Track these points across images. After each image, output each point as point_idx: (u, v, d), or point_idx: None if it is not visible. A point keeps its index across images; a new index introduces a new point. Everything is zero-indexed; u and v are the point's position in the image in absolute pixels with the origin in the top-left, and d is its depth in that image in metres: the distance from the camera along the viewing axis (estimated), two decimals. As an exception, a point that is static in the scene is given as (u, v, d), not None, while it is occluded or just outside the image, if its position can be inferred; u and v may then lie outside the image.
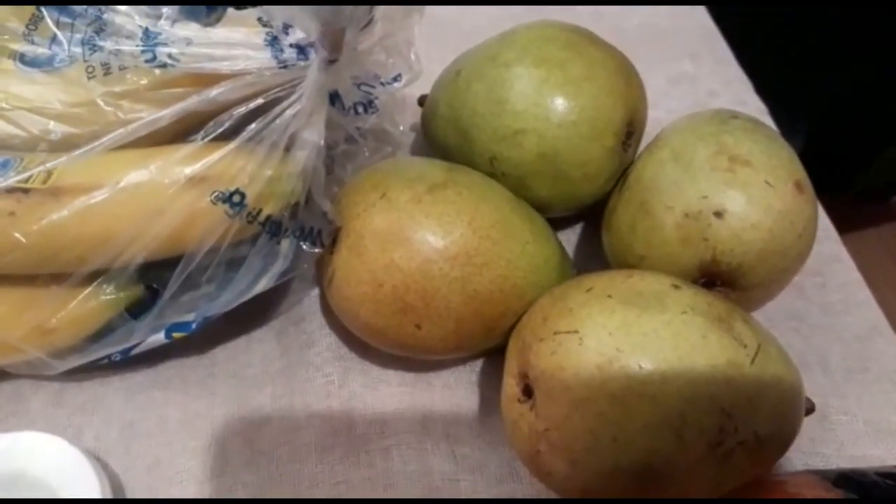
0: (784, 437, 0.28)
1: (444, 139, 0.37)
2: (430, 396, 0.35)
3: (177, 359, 0.36)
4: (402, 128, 0.37)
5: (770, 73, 0.54)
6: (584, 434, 0.26)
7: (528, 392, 0.29)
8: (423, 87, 0.38)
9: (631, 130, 0.35)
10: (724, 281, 0.31)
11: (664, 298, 0.27)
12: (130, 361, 0.35)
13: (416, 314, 0.30)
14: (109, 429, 0.35)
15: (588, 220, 0.41)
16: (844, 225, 0.42)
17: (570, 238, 0.41)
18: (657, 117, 0.42)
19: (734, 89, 0.48)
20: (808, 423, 0.33)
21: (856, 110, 0.87)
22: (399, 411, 0.35)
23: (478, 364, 0.36)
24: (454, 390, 0.36)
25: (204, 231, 0.29)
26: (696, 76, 0.50)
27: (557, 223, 0.38)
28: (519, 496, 0.32)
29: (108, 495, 0.30)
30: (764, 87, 0.49)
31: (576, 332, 0.27)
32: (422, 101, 0.40)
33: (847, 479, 0.29)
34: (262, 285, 0.32)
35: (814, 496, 0.28)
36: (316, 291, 0.38)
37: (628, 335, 0.26)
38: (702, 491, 0.27)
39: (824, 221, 0.40)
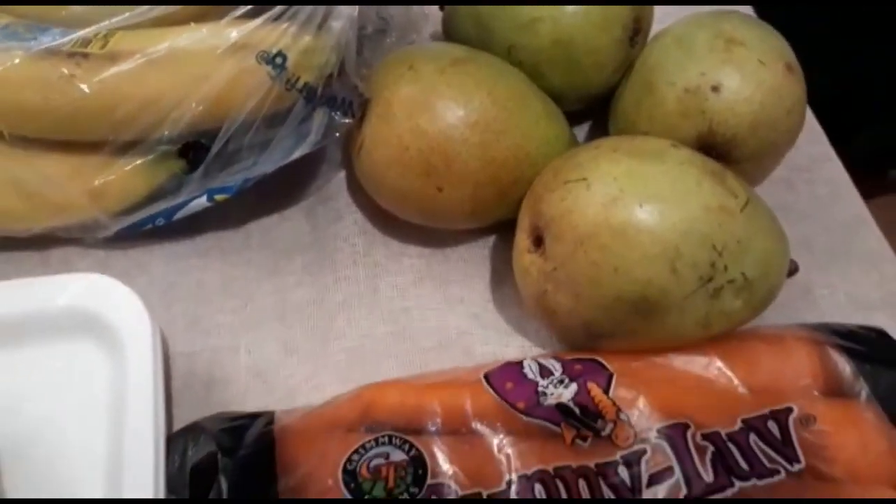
0: (769, 285, 0.31)
1: (465, 34, 0.40)
2: (446, 267, 0.39)
3: (214, 231, 0.40)
4: (426, 11, 0.39)
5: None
6: (588, 267, 0.29)
7: (537, 242, 0.32)
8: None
9: (638, 28, 0.38)
10: (720, 153, 0.34)
11: (664, 154, 0.30)
12: (171, 231, 0.39)
13: (438, 176, 0.33)
14: (152, 290, 0.38)
15: (596, 118, 0.43)
16: None
17: (579, 135, 0.43)
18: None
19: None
20: (792, 296, 0.37)
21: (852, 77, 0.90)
22: (418, 279, 0.38)
23: (490, 239, 0.39)
24: (468, 262, 0.39)
25: (248, 91, 0.32)
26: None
27: (568, 119, 0.41)
28: (526, 347, 0.35)
29: (158, 338, 0.33)
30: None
31: (584, 179, 0.30)
32: (443, 5, 0.43)
33: (827, 327, 0.32)
34: (299, 152, 0.35)
35: (795, 338, 0.31)
36: (342, 173, 0.41)
37: (631, 179, 0.29)
38: (694, 327, 0.30)
39: (815, 127, 0.43)
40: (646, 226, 0.28)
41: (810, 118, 0.43)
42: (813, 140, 0.42)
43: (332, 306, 0.37)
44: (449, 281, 0.38)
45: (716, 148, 0.34)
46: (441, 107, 0.33)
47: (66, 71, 0.33)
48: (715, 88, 0.33)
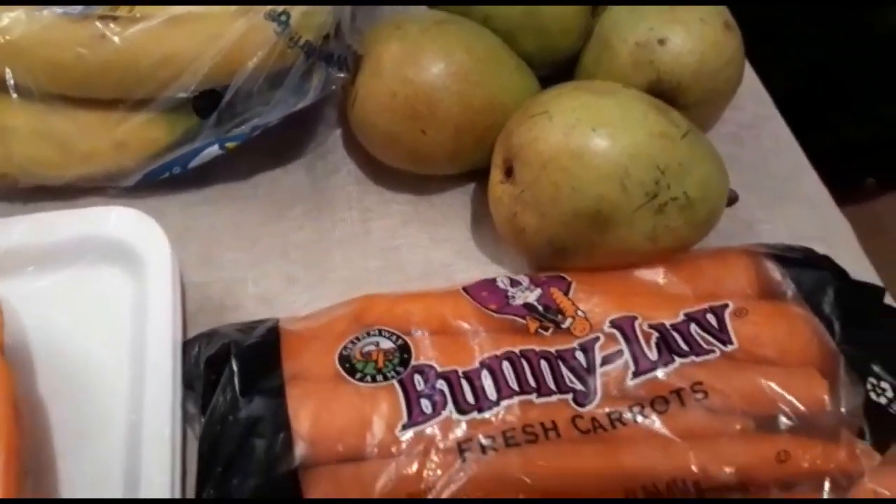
0: (710, 206, 0.36)
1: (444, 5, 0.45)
2: (432, 211, 0.43)
3: (223, 183, 0.44)
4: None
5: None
6: (550, 187, 0.34)
7: (508, 173, 0.36)
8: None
9: (599, 0, 0.44)
10: (667, 99, 0.38)
11: (616, 91, 0.35)
12: (185, 181, 0.43)
13: (422, 120, 0.38)
14: (168, 233, 0.42)
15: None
16: None
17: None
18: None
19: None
20: (737, 229, 0.41)
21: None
22: (406, 221, 0.43)
23: (471, 187, 0.44)
24: (451, 207, 0.43)
25: (256, 46, 0.37)
26: None
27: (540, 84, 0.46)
28: (502, 274, 0.40)
29: (176, 262, 0.38)
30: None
31: (547, 112, 0.35)
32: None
33: (763, 244, 0.37)
34: (301, 104, 0.40)
35: (735, 253, 0.36)
36: (338, 132, 0.46)
37: (587, 110, 0.34)
38: (643, 240, 0.34)
39: (761, 90, 0.48)
40: (599, 149, 0.33)
41: (754, 81, 0.48)
42: (759, 101, 0.47)
43: (330, 245, 0.42)
44: (434, 223, 0.43)
45: (663, 95, 0.38)
46: (425, 60, 0.38)
47: (98, 29, 0.38)
48: (662, 42, 0.38)
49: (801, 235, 0.41)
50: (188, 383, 0.33)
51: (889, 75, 0.93)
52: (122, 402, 0.34)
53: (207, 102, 0.39)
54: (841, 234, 0.42)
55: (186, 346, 0.34)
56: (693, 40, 0.38)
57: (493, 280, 0.36)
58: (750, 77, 0.48)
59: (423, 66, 0.38)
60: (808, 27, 0.93)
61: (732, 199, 0.38)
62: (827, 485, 0.29)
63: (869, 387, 0.31)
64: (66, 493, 0.32)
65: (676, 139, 0.34)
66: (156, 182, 0.43)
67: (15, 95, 0.39)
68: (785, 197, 0.43)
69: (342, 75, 0.40)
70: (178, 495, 0.31)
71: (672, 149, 0.34)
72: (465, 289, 0.35)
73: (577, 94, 0.35)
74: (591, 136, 0.33)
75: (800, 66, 0.98)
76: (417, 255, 0.42)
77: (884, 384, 0.31)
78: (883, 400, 0.31)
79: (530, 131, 0.35)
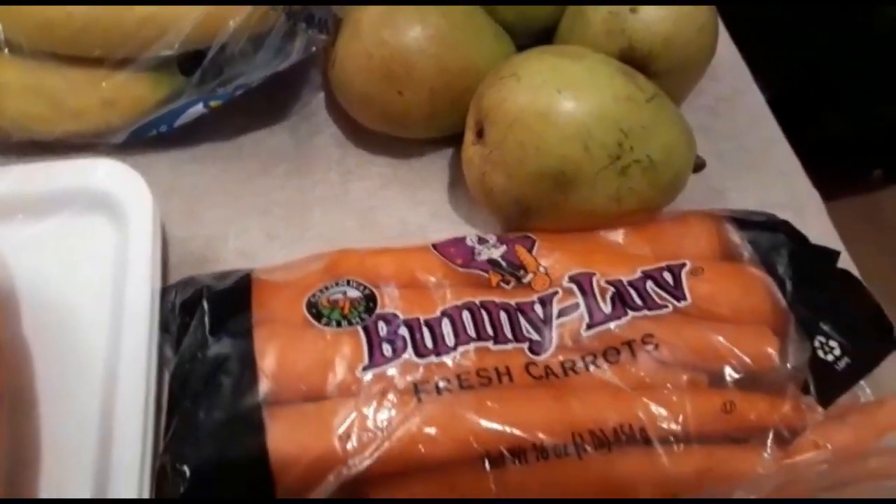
0: (674, 170, 0.36)
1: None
2: (411, 175, 0.44)
3: (209, 143, 0.45)
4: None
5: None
6: (516, 147, 0.35)
7: (480, 134, 0.37)
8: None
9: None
10: (639, 67, 0.39)
11: (584, 55, 0.36)
12: (173, 140, 0.44)
13: (398, 81, 0.39)
14: (155, 189, 0.43)
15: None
16: (825, 196, 0.45)
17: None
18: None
19: None
20: (707, 197, 0.42)
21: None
22: (385, 184, 0.44)
23: (448, 152, 0.45)
24: (430, 170, 0.44)
25: (238, 6, 0.38)
26: None
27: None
28: (473, 234, 0.41)
29: (157, 215, 0.39)
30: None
31: (515, 74, 0.36)
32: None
33: (725, 209, 0.38)
34: (283, 65, 0.41)
35: (697, 216, 0.37)
36: (321, 95, 0.47)
37: (554, 72, 0.35)
38: (607, 201, 0.35)
39: (739, 62, 0.49)
40: (563, 109, 0.34)
41: (734, 54, 0.49)
42: (737, 75, 0.48)
43: (309, 204, 0.43)
44: (412, 186, 0.44)
45: (635, 62, 0.39)
46: (402, 22, 0.39)
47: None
48: (633, 10, 0.39)
49: (770, 204, 0.42)
50: (165, 327, 0.35)
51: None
52: (101, 344, 0.35)
53: (192, 63, 0.40)
54: (810, 203, 0.43)
55: (164, 292, 0.36)
56: (665, 8, 0.38)
57: (463, 238, 0.37)
58: (729, 50, 0.49)
59: (400, 29, 0.39)
60: (812, 18, 0.94)
61: (699, 166, 0.39)
62: (770, 437, 0.31)
63: (817, 345, 0.32)
64: (45, 429, 0.34)
65: (641, 103, 0.35)
66: (144, 140, 0.44)
67: (6, 51, 0.41)
68: (757, 167, 0.44)
69: (323, 37, 0.41)
70: (150, 431, 0.33)
71: (636, 112, 0.35)
72: (434, 245, 0.36)
73: (546, 58, 0.36)
74: (557, 97, 0.34)
75: (807, 57, 0.98)
76: (394, 216, 0.43)
77: (832, 342, 0.32)
78: (830, 357, 0.32)
79: (499, 92, 0.36)
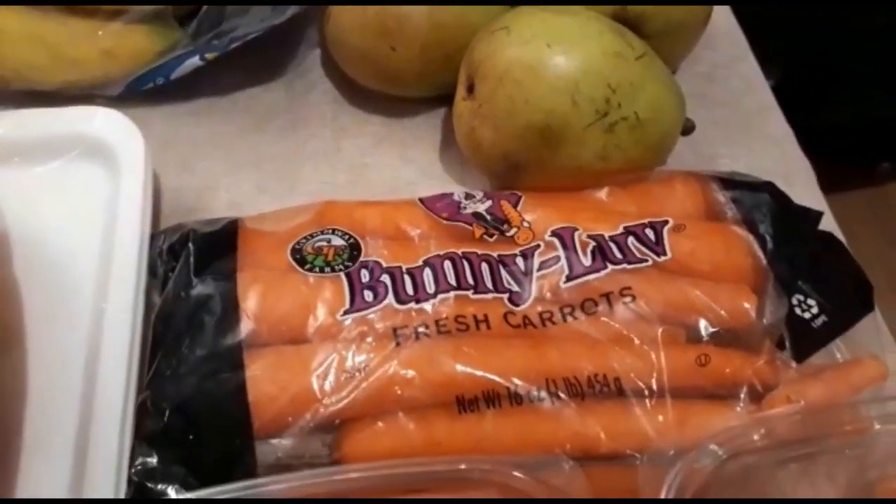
0: (662, 129, 0.37)
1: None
2: (403, 133, 0.45)
3: (205, 97, 0.46)
4: None
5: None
6: (505, 100, 0.35)
7: (470, 89, 0.38)
8: None
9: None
10: (633, 28, 0.39)
11: (577, 12, 0.36)
12: (169, 95, 0.45)
13: (391, 37, 0.39)
14: (150, 142, 0.44)
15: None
16: (832, 187, 0.45)
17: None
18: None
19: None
20: (698, 162, 0.42)
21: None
22: (377, 141, 0.44)
23: (442, 111, 0.45)
24: (423, 129, 0.45)
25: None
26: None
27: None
28: (461, 191, 0.41)
29: (150, 164, 0.39)
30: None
31: (506, 27, 0.36)
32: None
33: (711, 172, 0.38)
34: (279, 18, 0.41)
35: (683, 176, 0.37)
36: (317, 52, 0.47)
37: (544, 26, 0.35)
38: (593, 158, 0.36)
39: (737, 31, 0.49)
40: (552, 63, 0.34)
41: (731, 22, 0.48)
42: (734, 43, 0.48)
43: (301, 159, 0.44)
44: (404, 144, 0.44)
45: (628, 22, 0.39)
46: (395, -21, 0.39)
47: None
48: (627, -31, 0.39)
49: (761, 171, 0.42)
50: (153, 271, 0.35)
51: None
52: (90, 285, 0.36)
53: (190, 17, 0.40)
54: (801, 171, 0.43)
55: (154, 238, 0.36)
56: (659, -31, 0.39)
57: (451, 193, 0.37)
58: (727, 18, 0.49)
59: (393, -15, 0.39)
60: (819, 8, 0.93)
61: (689, 128, 0.39)
62: (744, 391, 0.31)
63: (795, 302, 0.32)
64: (33, 365, 0.35)
65: (630, 59, 0.35)
66: (141, 94, 0.44)
67: (5, -2, 0.41)
68: (749, 134, 0.44)
69: (318, -8, 0.41)
70: (135, 370, 0.33)
71: (625, 68, 0.35)
72: (421, 199, 0.37)
73: (537, 12, 0.36)
74: (546, 50, 0.34)
75: (813, 47, 0.97)
76: (385, 173, 0.43)
77: (810, 301, 0.32)
78: (807, 315, 0.32)
79: (489, 46, 0.36)
